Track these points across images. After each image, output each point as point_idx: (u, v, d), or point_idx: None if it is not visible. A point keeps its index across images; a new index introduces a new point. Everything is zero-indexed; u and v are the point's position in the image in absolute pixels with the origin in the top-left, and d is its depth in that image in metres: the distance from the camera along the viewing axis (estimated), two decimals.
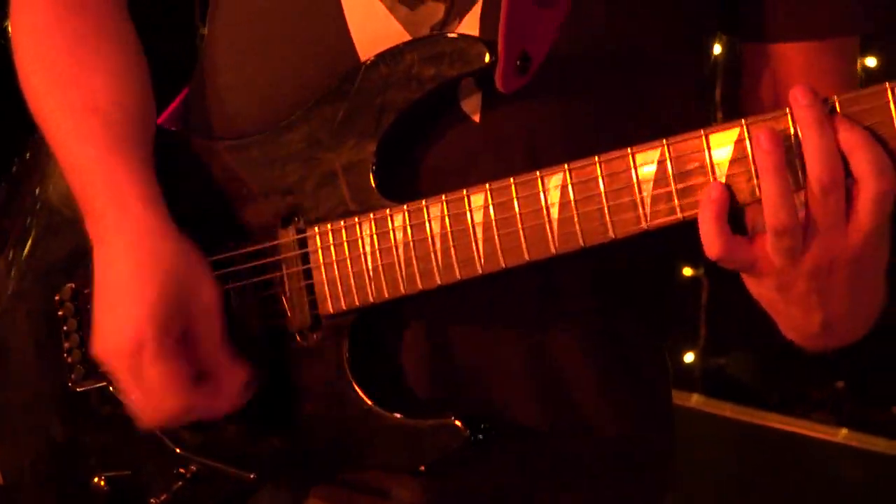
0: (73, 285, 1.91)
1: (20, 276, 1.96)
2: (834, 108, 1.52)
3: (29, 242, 1.96)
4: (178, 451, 1.85)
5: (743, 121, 1.56)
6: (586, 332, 1.83)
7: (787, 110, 1.53)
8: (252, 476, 1.81)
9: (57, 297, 1.93)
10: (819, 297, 1.57)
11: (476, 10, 1.73)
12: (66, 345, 1.92)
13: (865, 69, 3.61)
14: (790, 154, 1.52)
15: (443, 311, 1.78)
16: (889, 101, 1.51)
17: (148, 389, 1.72)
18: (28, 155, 2.00)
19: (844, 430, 3.41)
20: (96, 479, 1.91)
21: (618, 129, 1.74)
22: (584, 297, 1.81)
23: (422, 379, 1.80)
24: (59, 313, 1.92)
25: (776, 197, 1.52)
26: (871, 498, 3.38)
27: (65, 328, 1.92)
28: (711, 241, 1.55)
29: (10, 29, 1.93)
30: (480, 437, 1.73)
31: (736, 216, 1.57)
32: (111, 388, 1.87)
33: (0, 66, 2.00)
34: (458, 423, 1.72)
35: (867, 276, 1.58)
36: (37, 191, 1.97)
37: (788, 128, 1.53)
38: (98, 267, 1.78)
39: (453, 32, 1.73)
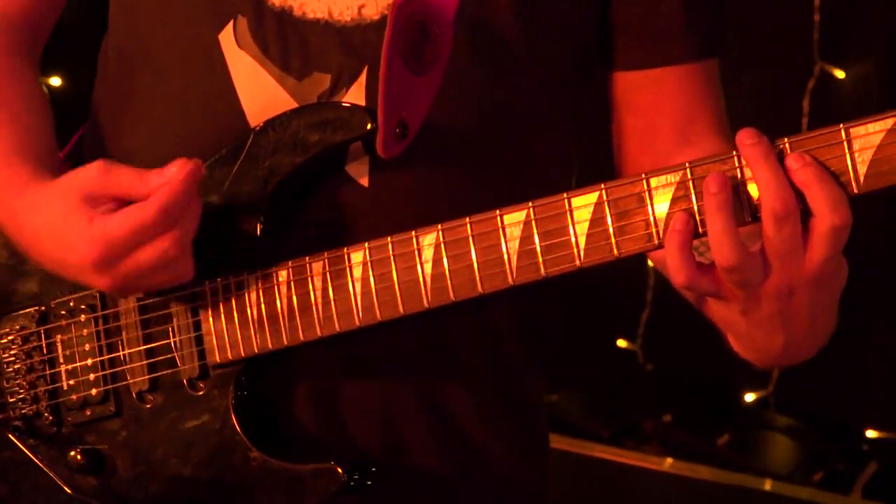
0: None
1: None
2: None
3: None
4: (70, 492, 1.83)
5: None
6: (474, 375, 1.86)
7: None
8: None
9: None
10: (781, 320, 1.58)
11: (361, 81, 1.76)
12: None
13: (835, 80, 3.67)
14: (734, 193, 1.55)
15: (329, 357, 1.80)
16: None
17: (142, 245, 1.68)
18: None
19: (670, 460, 3.48)
20: None
21: (499, 187, 1.78)
22: (470, 342, 1.85)
23: (309, 424, 1.81)
24: None
25: (721, 235, 1.54)
26: None
27: None
28: (677, 269, 1.57)
29: None
30: (359, 480, 1.75)
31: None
32: (10, 435, 1.86)
33: None
34: (336, 467, 1.74)
35: (826, 301, 1.60)
36: None
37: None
38: (33, 240, 1.77)
39: (337, 101, 1.76)
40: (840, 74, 3.63)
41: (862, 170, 1.53)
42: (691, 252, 1.58)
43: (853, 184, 1.53)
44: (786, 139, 1.55)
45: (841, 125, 1.55)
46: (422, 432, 1.85)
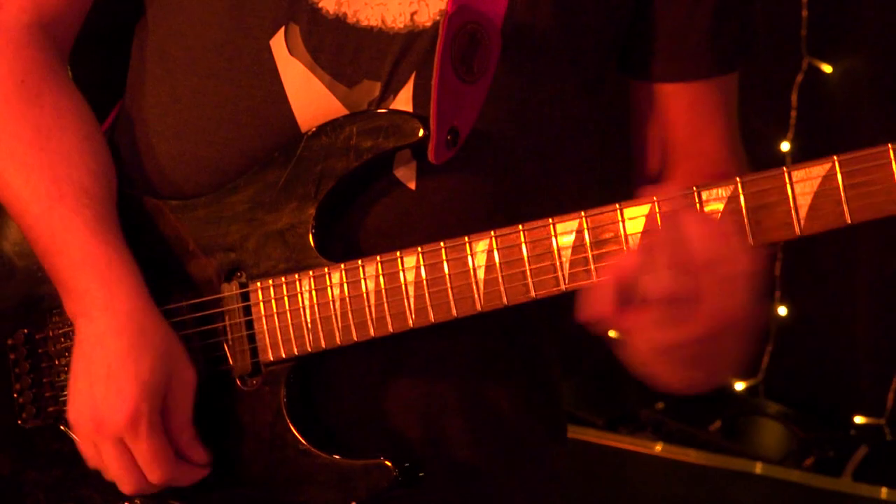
0: (27, 331, 1.93)
1: None
2: (737, 189, 1.62)
3: None
4: None
5: (654, 197, 1.66)
6: (510, 367, 1.92)
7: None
8: None
9: (10, 342, 1.94)
10: (700, 360, 1.63)
11: (409, 88, 1.79)
12: (17, 386, 1.93)
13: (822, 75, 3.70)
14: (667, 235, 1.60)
15: (373, 355, 1.84)
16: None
17: (138, 461, 1.77)
18: None
19: (661, 444, 3.52)
20: None
21: (538, 191, 1.84)
22: (506, 336, 1.90)
23: (356, 421, 1.86)
24: (11, 356, 1.94)
25: (665, 269, 1.56)
26: (679, 501, 3.49)
27: (17, 370, 1.93)
28: (603, 300, 1.58)
29: None
30: (408, 475, 1.79)
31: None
32: (62, 427, 1.90)
33: None
34: (387, 462, 1.78)
35: (743, 340, 1.64)
36: None
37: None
38: (83, 341, 1.79)
39: (390, 108, 1.79)
40: (828, 69, 3.67)
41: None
42: (619, 290, 1.58)
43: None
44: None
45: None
46: (460, 426, 1.90)
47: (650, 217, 1.65)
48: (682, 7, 1.88)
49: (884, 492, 3.29)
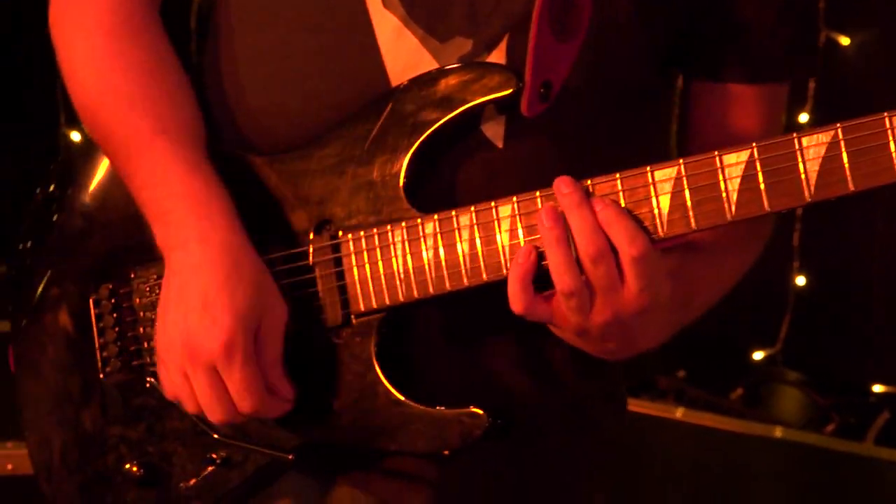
0: (111, 285, 1.92)
1: (56, 276, 1.96)
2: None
3: (65, 245, 1.96)
4: (216, 437, 1.86)
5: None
6: None
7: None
8: (290, 457, 1.84)
9: (93, 297, 1.93)
10: (612, 338, 1.72)
11: (502, 47, 1.79)
12: (101, 340, 1.93)
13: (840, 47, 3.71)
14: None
15: (459, 311, 1.84)
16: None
17: (230, 390, 1.76)
18: (61, 161, 2.00)
19: (682, 409, 3.54)
20: (128, 466, 1.92)
21: (621, 153, 1.82)
22: None
23: (440, 371, 1.86)
24: (96, 311, 1.93)
25: (560, 265, 1.66)
26: (699, 467, 3.52)
27: (101, 325, 1.93)
28: (516, 298, 1.69)
29: (60, 54, 1.91)
30: (502, 424, 1.80)
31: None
32: (150, 381, 1.89)
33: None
34: (481, 411, 1.79)
35: (654, 319, 1.72)
36: (73, 196, 1.97)
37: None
38: (177, 272, 1.78)
39: (484, 61, 1.79)
40: (845, 41, 3.70)
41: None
42: (530, 283, 1.69)
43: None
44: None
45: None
46: (527, 386, 1.91)
47: (543, 213, 1.69)
48: (749, 9, 1.88)
49: None
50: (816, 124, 3.62)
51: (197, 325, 1.74)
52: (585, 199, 1.66)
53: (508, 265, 1.75)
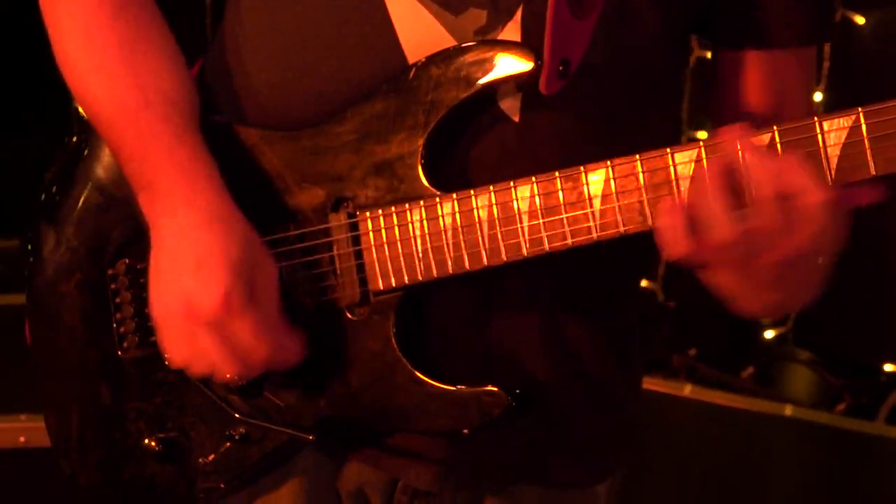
0: (128, 261, 1.92)
1: (72, 251, 1.95)
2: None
3: (81, 219, 1.95)
4: (236, 416, 1.86)
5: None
6: (594, 318, 1.93)
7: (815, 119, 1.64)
8: (311, 437, 1.83)
9: (110, 272, 1.93)
10: (775, 285, 1.69)
11: (517, 19, 1.79)
12: (118, 315, 1.93)
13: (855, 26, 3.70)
14: (735, 177, 1.64)
15: (478, 291, 1.83)
16: (817, 133, 1.64)
17: (238, 342, 1.74)
18: (78, 136, 1.99)
19: (690, 386, 3.54)
20: (146, 441, 1.92)
21: (636, 131, 1.85)
22: (593, 276, 1.89)
23: (458, 351, 1.86)
24: (112, 286, 1.93)
25: (719, 215, 1.62)
26: (709, 444, 3.52)
27: (118, 300, 1.92)
28: (677, 243, 1.65)
29: (50, 31, 1.91)
30: (521, 403, 1.80)
31: None
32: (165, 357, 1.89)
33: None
34: (500, 391, 1.79)
35: (819, 266, 1.71)
36: (88, 171, 1.96)
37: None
38: (166, 237, 1.78)
39: (501, 38, 1.78)
40: (860, 20, 3.69)
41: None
42: (689, 226, 1.64)
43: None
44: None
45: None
46: (548, 367, 1.90)
47: (711, 161, 1.66)
48: None
49: None
50: (830, 103, 3.66)
51: (193, 284, 1.73)
52: (757, 143, 1.64)
53: (528, 246, 1.75)
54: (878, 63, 3.66)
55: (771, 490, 3.41)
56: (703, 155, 1.69)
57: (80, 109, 1.93)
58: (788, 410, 3.44)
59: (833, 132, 1.65)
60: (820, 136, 1.65)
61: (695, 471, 3.48)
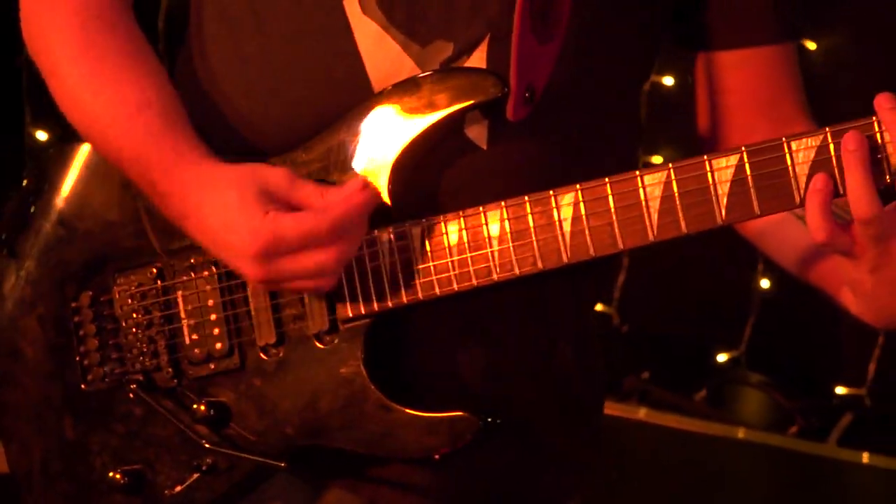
0: (91, 293, 1.90)
1: (33, 285, 1.93)
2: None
3: (43, 253, 1.93)
4: (206, 446, 1.84)
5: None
6: (565, 333, 1.92)
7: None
8: (283, 465, 1.81)
9: (74, 305, 1.90)
10: None
11: (482, 48, 1.78)
12: (82, 348, 1.90)
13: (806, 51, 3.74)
14: (873, 153, 1.63)
15: (448, 316, 1.83)
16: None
17: (306, 250, 1.70)
18: (37, 169, 1.96)
19: (644, 409, 3.55)
20: (111, 474, 1.89)
21: (603, 151, 1.86)
22: (565, 302, 1.90)
23: (429, 376, 1.84)
24: (76, 319, 1.90)
25: (859, 188, 1.62)
26: (662, 467, 3.53)
27: (81, 332, 1.90)
28: (818, 227, 1.65)
29: (39, 57, 1.89)
30: (490, 427, 1.79)
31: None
32: (131, 388, 1.87)
33: None
34: (470, 415, 1.78)
35: None
36: (50, 205, 1.94)
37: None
38: (195, 213, 1.76)
39: (467, 66, 1.78)
40: (811, 45, 3.72)
41: None
42: (831, 210, 1.65)
43: None
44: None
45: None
46: (523, 384, 1.89)
47: (849, 135, 1.64)
48: None
49: (865, 456, 3.35)
50: None
51: (238, 240, 1.71)
52: None
53: (499, 270, 1.74)
54: (829, 88, 3.69)
55: None
56: (673, 177, 1.69)
57: (36, 134, 1.90)
58: (741, 433, 3.45)
59: (801, 151, 1.65)
60: (789, 156, 1.66)
61: (649, 493, 3.48)
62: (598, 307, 3.98)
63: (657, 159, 3.75)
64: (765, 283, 3.77)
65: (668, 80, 3.73)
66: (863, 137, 1.63)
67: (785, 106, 1.96)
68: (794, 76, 1.98)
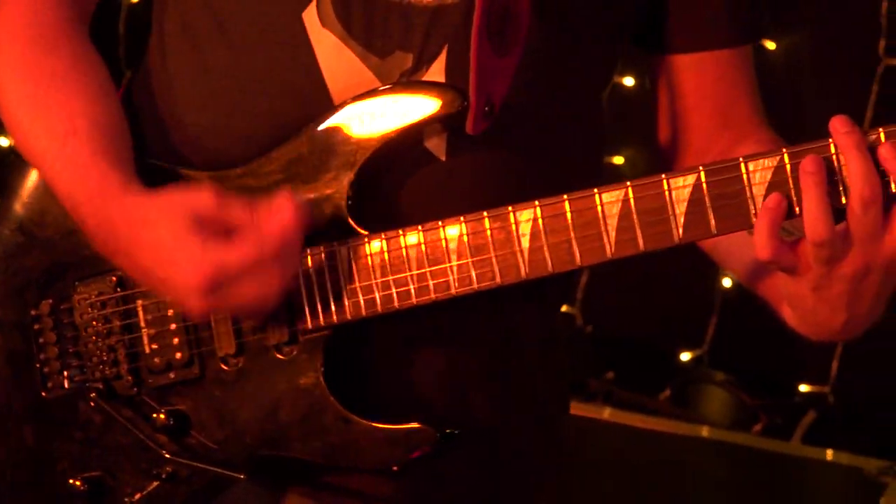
0: (51, 301, 1.89)
1: None
2: (879, 137, 1.64)
3: (2, 259, 1.92)
4: (166, 455, 1.84)
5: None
6: (529, 340, 1.93)
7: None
8: (241, 475, 1.82)
9: (33, 312, 1.90)
10: (848, 300, 1.68)
11: (441, 59, 1.79)
12: (42, 356, 1.90)
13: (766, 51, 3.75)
14: (830, 176, 1.64)
15: (408, 328, 1.83)
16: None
17: (249, 276, 1.70)
18: None
19: (609, 409, 3.56)
20: (71, 481, 1.89)
21: (563, 163, 1.87)
22: (528, 309, 1.91)
23: (389, 387, 1.85)
24: (36, 327, 1.90)
25: (814, 211, 1.63)
26: (627, 466, 3.54)
27: (41, 340, 1.90)
28: (763, 245, 1.65)
29: None
30: (448, 439, 1.79)
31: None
32: (91, 396, 1.87)
33: None
34: (428, 427, 1.79)
35: (891, 285, 1.70)
36: (8, 212, 1.93)
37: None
38: (128, 252, 1.76)
39: (427, 79, 1.78)
40: (771, 45, 3.74)
41: None
42: (778, 230, 1.66)
43: None
44: (881, 129, 1.65)
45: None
46: (482, 395, 1.90)
47: (806, 159, 1.65)
48: None
49: (829, 453, 3.37)
50: None
51: (177, 276, 1.71)
52: (864, 141, 1.64)
53: (457, 284, 1.75)
54: (788, 87, 3.71)
55: None
56: (631, 195, 1.70)
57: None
58: (705, 432, 3.47)
59: (759, 172, 1.66)
60: (745, 176, 1.67)
61: (614, 493, 3.49)
62: (563, 308, 4.02)
63: (618, 160, 3.76)
64: (727, 283, 3.79)
65: (629, 81, 3.74)
66: (821, 161, 1.64)
67: (740, 109, 1.97)
68: (750, 79, 1.99)
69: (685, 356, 3.87)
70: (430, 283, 1.76)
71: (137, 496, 1.88)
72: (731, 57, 1.96)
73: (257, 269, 1.69)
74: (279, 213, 1.71)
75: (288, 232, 1.70)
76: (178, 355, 1.85)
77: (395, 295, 1.77)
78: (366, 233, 1.78)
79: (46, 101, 1.84)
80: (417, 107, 1.76)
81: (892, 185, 1.63)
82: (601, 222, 1.71)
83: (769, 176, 1.66)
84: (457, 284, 1.76)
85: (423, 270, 1.76)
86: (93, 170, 1.79)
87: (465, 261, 1.75)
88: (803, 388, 3.76)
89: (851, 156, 1.63)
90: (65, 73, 1.85)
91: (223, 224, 1.71)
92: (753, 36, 2.00)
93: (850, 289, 1.67)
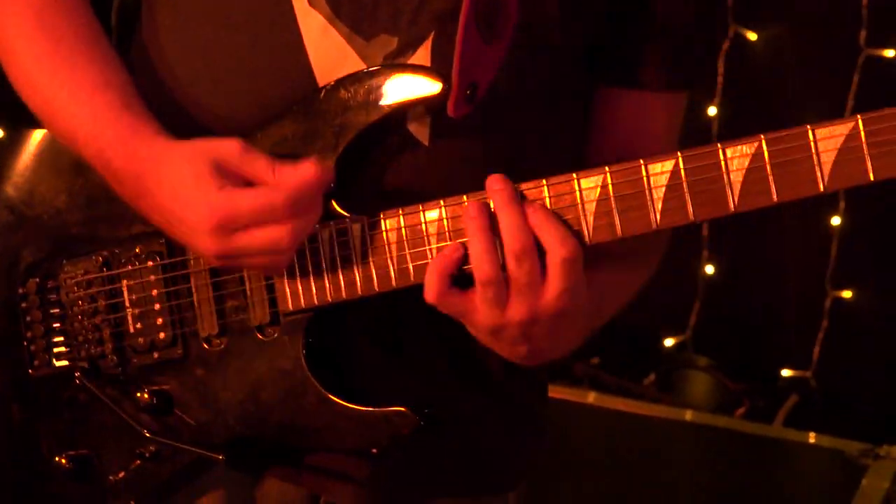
0: (38, 279, 1.91)
1: None
2: (522, 193, 1.71)
3: None
4: (147, 434, 1.86)
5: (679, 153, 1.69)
6: None
7: (718, 145, 1.67)
8: (220, 457, 1.83)
9: (21, 291, 1.91)
10: (525, 339, 1.73)
11: (427, 45, 1.79)
12: (29, 334, 1.91)
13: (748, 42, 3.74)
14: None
15: (388, 311, 1.84)
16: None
17: (261, 225, 1.71)
18: None
19: (593, 394, 3.57)
20: (56, 459, 1.91)
21: (545, 151, 1.87)
22: None
23: (369, 370, 1.87)
24: (23, 305, 1.91)
25: (481, 253, 1.68)
26: (612, 450, 3.56)
27: (28, 318, 1.91)
28: (431, 288, 1.70)
29: None
30: (429, 422, 1.81)
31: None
32: (76, 375, 1.88)
33: None
34: (408, 411, 1.80)
35: (569, 323, 1.74)
36: None
37: (717, 159, 1.67)
38: (151, 191, 1.77)
39: (410, 62, 1.79)
40: (753, 37, 3.74)
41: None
42: (448, 276, 1.71)
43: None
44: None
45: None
46: (456, 384, 1.92)
47: (470, 205, 1.71)
48: (672, 15, 1.88)
49: (811, 436, 3.39)
50: (724, 117, 3.71)
51: (190, 218, 1.72)
52: (516, 197, 1.69)
53: None
54: (770, 78, 3.71)
55: (673, 493, 3.45)
56: (609, 180, 1.71)
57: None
58: (689, 415, 3.48)
59: (736, 159, 1.67)
60: (723, 163, 1.67)
61: (598, 476, 3.51)
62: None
63: None
64: (709, 269, 3.80)
65: None
66: (484, 206, 1.70)
67: (640, 155, 1.93)
68: (665, 129, 1.96)
69: (669, 342, 3.88)
70: (410, 266, 1.77)
71: (122, 474, 1.89)
72: (645, 100, 1.93)
73: (271, 220, 1.70)
74: (300, 170, 1.72)
75: (305, 187, 1.71)
76: (162, 335, 1.86)
77: (375, 278, 1.78)
78: (348, 215, 1.79)
79: (71, 56, 1.84)
80: (400, 89, 1.77)
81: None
82: (580, 207, 1.72)
83: (747, 163, 1.67)
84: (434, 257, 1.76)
85: (403, 253, 1.77)
86: (124, 115, 1.80)
87: (444, 244, 1.76)
88: (785, 372, 3.77)
89: (502, 212, 1.68)
90: (84, 34, 1.87)
91: (245, 176, 1.73)
92: (678, 87, 1.95)
93: (521, 333, 1.71)
